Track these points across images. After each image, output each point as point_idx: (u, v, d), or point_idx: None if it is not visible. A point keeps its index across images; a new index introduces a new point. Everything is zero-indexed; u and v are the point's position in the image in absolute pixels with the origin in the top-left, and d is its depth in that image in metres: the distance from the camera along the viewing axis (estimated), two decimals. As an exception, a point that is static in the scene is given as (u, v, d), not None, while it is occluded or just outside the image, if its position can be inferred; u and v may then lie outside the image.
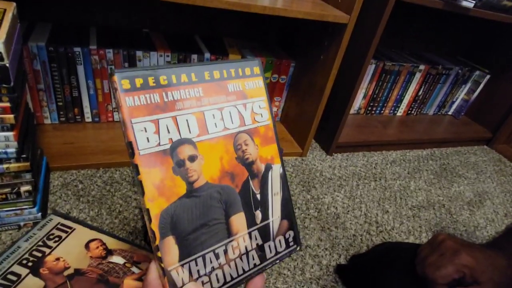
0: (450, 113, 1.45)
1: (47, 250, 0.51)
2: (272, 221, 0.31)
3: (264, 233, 0.30)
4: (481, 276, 0.45)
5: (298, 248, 0.32)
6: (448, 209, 0.95)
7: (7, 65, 0.46)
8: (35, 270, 0.48)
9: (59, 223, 0.56)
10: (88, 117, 0.87)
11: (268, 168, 0.31)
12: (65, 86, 0.80)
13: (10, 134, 0.51)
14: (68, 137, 0.82)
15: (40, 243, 0.52)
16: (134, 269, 0.51)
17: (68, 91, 0.81)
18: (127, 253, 0.53)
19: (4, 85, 0.47)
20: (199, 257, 0.26)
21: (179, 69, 0.26)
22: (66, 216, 0.58)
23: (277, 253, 0.31)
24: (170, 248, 0.25)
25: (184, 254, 0.25)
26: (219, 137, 0.28)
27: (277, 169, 0.32)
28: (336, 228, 0.77)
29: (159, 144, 0.25)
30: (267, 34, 1.08)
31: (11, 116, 0.50)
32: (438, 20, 1.28)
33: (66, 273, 0.48)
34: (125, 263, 0.52)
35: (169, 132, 0.25)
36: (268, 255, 0.30)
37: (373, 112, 1.27)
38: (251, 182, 0.30)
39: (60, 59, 0.76)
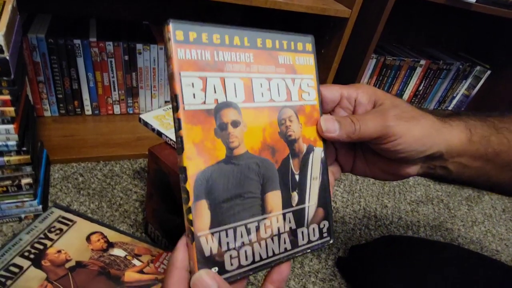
0: (450, 108, 1.45)
1: (49, 243, 0.51)
2: (308, 206, 0.29)
3: (299, 217, 0.28)
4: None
5: (331, 241, 0.30)
6: (447, 204, 0.95)
7: (7, 57, 0.46)
8: (37, 262, 0.48)
9: (60, 216, 0.56)
10: (88, 109, 0.87)
11: (310, 149, 0.29)
12: (65, 78, 0.80)
13: (11, 126, 0.51)
14: (68, 130, 0.82)
15: (42, 235, 0.52)
16: (135, 261, 0.51)
17: (68, 84, 0.81)
18: (128, 245, 0.54)
19: (4, 78, 0.47)
20: (230, 228, 0.24)
21: (234, 30, 0.26)
22: (67, 209, 0.59)
23: (309, 241, 0.29)
24: (202, 213, 0.23)
25: (216, 222, 0.24)
26: (264, 107, 0.27)
27: (319, 152, 0.30)
28: (335, 222, 0.78)
29: (204, 103, 0.24)
30: (268, 28, 1.07)
31: (12, 109, 0.49)
32: (439, 15, 1.27)
33: (67, 265, 0.49)
34: (126, 255, 0.52)
35: (215, 92, 0.24)
36: (300, 241, 0.28)
37: (373, 106, 1.27)
38: (291, 161, 0.28)
39: (60, 51, 0.76)
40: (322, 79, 0.89)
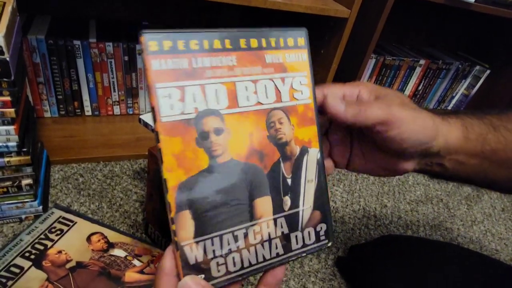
0: (449, 108, 1.45)
1: (49, 243, 0.51)
2: (303, 210, 0.28)
3: (292, 222, 0.27)
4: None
5: (329, 244, 0.29)
6: (446, 203, 0.96)
7: (8, 59, 0.46)
8: (37, 263, 0.48)
9: (60, 216, 0.57)
10: (88, 110, 0.87)
11: (304, 151, 0.28)
12: (64, 79, 0.80)
13: (11, 128, 0.51)
14: (68, 131, 0.82)
15: (42, 236, 0.52)
16: (135, 262, 0.52)
17: (68, 85, 0.81)
18: (128, 246, 0.54)
19: (4, 79, 0.47)
20: (216, 236, 0.24)
21: (213, 34, 0.24)
22: (67, 210, 0.59)
23: (304, 245, 0.28)
24: (185, 223, 0.23)
25: (200, 231, 0.24)
26: (250, 111, 0.26)
27: (314, 154, 0.28)
28: (335, 222, 0.78)
29: (183, 113, 0.23)
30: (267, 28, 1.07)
31: (12, 110, 0.50)
32: (438, 14, 1.27)
33: (68, 265, 0.49)
34: (126, 256, 0.52)
35: (195, 101, 0.24)
36: (294, 246, 0.27)
37: (372, 106, 1.27)
38: (282, 164, 0.27)
39: (60, 52, 0.76)
40: (321, 79, 0.89)
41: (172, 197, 0.23)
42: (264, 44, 0.26)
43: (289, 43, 0.27)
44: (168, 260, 0.24)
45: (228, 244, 0.25)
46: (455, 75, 1.32)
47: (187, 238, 0.24)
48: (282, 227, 0.27)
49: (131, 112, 0.92)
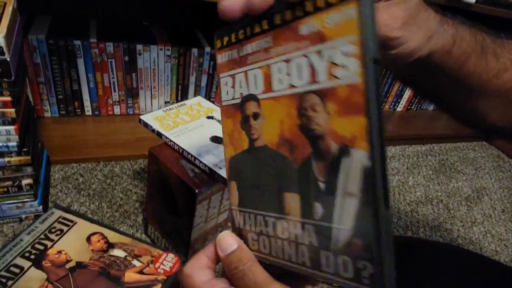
0: (449, 108, 1.45)
1: (49, 243, 0.51)
2: (337, 228, 0.21)
3: (322, 236, 0.21)
4: None
5: None
6: (446, 204, 0.96)
7: (8, 59, 0.46)
8: (37, 263, 0.48)
9: (60, 216, 0.57)
10: (88, 110, 0.87)
11: (344, 151, 0.20)
12: (65, 79, 0.80)
13: (11, 128, 0.51)
14: (68, 131, 0.82)
15: (42, 236, 0.52)
16: (135, 262, 0.52)
17: (68, 85, 0.81)
18: (128, 246, 0.54)
19: (5, 79, 0.48)
20: (251, 213, 0.26)
21: (254, 20, 0.23)
22: (67, 210, 0.59)
23: (337, 274, 0.21)
24: (233, 191, 0.27)
25: (242, 202, 0.27)
26: (282, 96, 0.22)
27: (359, 157, 0.19)
28: (335, 223, 0.78)
29: (233, 98, 0.26)
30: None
31: (12, 110, 0.50)
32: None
33: (68, 266, 0.49)
34: (126, 256, 0.52)
35: (241, 86, 0.26)
36: (324, 266, 0.21)
37: (373, 107, 1.27)
38: (313, 162, 0.21)
39: (60, 52, 0.76)
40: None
41: (226, 167, 0.28)
42: (298, 12, 0.21)
43: None
44: (202, 257, 0.26)
45: (260, 225, 0.25)
46: (456, 75, 1.32)
47: (234, 204, 0.27)
48: (310, 236, 0.22)
49: (131, 112, 0.92)
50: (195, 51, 0.87)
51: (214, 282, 0.25)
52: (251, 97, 0.25)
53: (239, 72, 0.25)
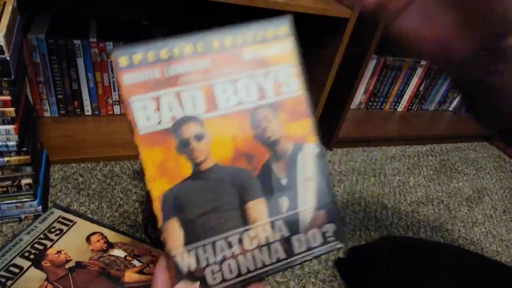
0: (450, 109, 1.45)
1: (49, 243, 0.51)
2: (303, 210, 0.26)
3: (292, 224, 0.26)
4: None
5: (339, 246, 0.27)
6: (447, 205, 0.95)
7: (8, 58, 0.46)
8: (37, 263, 0.48)
9: (60, 216, 0.56)
10: (88, 110, 0.87)
11: (298, 148, 0.26)
12: (64, 79, 0.80)
13: (11, 127, 0.51)
14: (68, 130, 0.82)
15: (42, 236, 0.52)
16: (135, 262, 0.51)
17: (68, 84, 0.81)
18: (128, 246, 0.54)
19: (5, 79, 0.47)
20: (208, 243, 0.24)
21: (183, 40, 0.24)
22: (67, 210, 0.59)
23: (309, 248, 0.26)
24: (173, 232, 0.24)
25: (190, 239, 0.24)
26: (232, 113, 0.25)
27: (310, 149, 0.26)
28: (335, 223, 0.78)
29: (160, 123, 0.23)
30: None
31: (12, 109, 0.49)
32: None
33: (67, 265, 0.49)
34: (126, 256, 0.52)
35: (171, 109, 0.24)
36: (297, 249, 0.26)
37: (373, 107, 1.27)
38: (273, 164, 0.25)
39: (60, 52, 0.76)
40: (322, 80, 0.88)
41: (157, 206, 0.23)
42: (239, 41, 0.25)
43: (269, 34, 0.26)
44: (160, 273, 0.24)
45: (222, 250, 0.24)
46: (456, 76, 1.31)
47: (177, 247, 0.23)
48: (281, 230, 0.25)
49: (131, 112, 0.91)
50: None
51: None
52: (190, 119, 0.24)
53: (168, 94, 0.24)
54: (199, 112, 0.24)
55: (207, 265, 0.24)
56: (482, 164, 1.21)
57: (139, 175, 0.76)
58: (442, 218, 0.90)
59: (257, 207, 0.25)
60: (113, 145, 0.80)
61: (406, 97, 1.29)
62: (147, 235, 0.62)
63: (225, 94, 0.25)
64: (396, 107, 1.31)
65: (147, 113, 0.23)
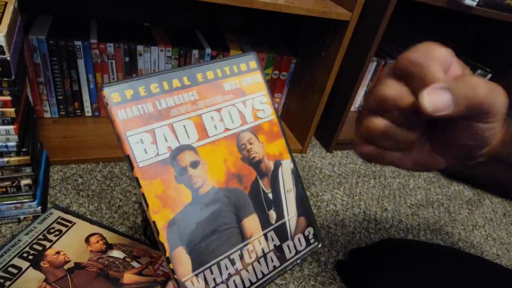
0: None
1: (48, 244, 0.51)
2: (288, 219, 0.29)
3: (281, 233, 0.29)
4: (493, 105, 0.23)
5: (319, 245, 0.31)
6: (447, 208, 0.95)
7: (9, 58, 0.46)
8: (35, 263, 0.48)
9: (59, 217, 0.56)
10: (88, 111, 0.87)
11: (278, 164, 0.30)
12: (65, 79, 0.80)
13: (11, 127, 0.50)
14: (68, 131, 0.82)
15: (41, 236, 0.52)
16: (134, 263, 0.51)
17: (68, 85, 0.81)
18: (127, 247, 0.54)
19: (5, 79, 0.47)
20: (213, 264, 0.25)
21: (170, 74, 0.26)
22: (66, 210, 0.58)
23: (297, 252, 0.29)
24: (181, 259, 0.24)
25: (197, 263, 0.25)
26: (221, 139, 0.27)
27: (287, 164, 0.30)
28: (335, 226, 0.78)
29: (157, 154, 0.24)
30: (268, 30, 1.07)
31: (12, 109, 0.49)
32: (440, 18, 1.27)
33: (66, 266, 0.48)
34: (125, 257, 0.52)
35: (166, 140, 0.25)
36: (288, 255, 0.29)
37: (373, 109, 1.27)
38: (260, 181, 0.29)
39: (61, 53, 0.76)
40: (322, 82, 0.88)
41: (163, 237, 0.24)
42: (219, 74, 0.28)
43: (242, 68, 0.29)
44: None
45: (227, 269, 0.26)
46: (456, 79, 1.32)
47: (186, 274, 0.24)
48: (273, 240, 0.28)
49: (131, 113, 0.91)
50: (195, 52, 0.87)
51: None
52: (185, 148, 0.25)
53: (162, 126, 0.25)
54: (192, 141, 0.26)
55: (215, 286, 0.25)
56: (482, 167, 1.21)
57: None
58: (442, 221, 0.89)
59: (252, 222, 0.27)
60: (113, 146, 0.80)
61: (406, 99, 1.29)
62: (146, 237, 0.62)
63: (213, 121, 0.27)
64: (396, 109, 1.31)
65: (144, 146, 0.24)
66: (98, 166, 0.76)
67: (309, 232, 0.30)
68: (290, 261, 0.29)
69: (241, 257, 0.26)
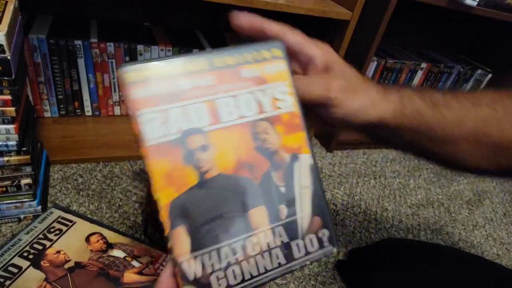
0: (450, 111, 1.45)
1: (48, 243, 0.51)
2: (301, 217, 0.28)
3: (291, 230, 0.27)
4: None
5: (334, 250, 0.29)
6: (447, 207, 0.95)
7: (9, 57, 0.46)
8: (36, 263, 0.48)
9: (59, 216, 0.56)
10: (88, 110, 0.87)
11: (295, 158, 0.28)
12: (65, 79, 0.80)
13: (11, 127, 0.50)
14: (68, 131, 0.81)
15: (41, 236, 0.52)
16: (134, 262, 0.51)
17: (68, 84, 0.81)
18: (127, 247, 0.53)
19: (5, 78, 0.47)
20: (213, 250, 0.25)
21: (188, 57, 0.26)
22: (66, 210, 0.58)
23: (307, 253, 0.28)
24: (180, 239, 0.24)
25: (197, 245, 0.24)
26: (234, 126, 0.26)
27: (305, 159, 0.28)
28: (335, 225, 0.78)
29: (168, 134, 0.25)
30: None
31: (12, 109, 0.49)
32: (440, 18, 1.27)
33: (66, 266, 0.48)
34: (125, 256, 0.52)
35: (178, 122, 0.25)
36: (296, 254, 0.27)
37: (373, 109, 1.27)
38: (273, 173, 0.27)
39: (61, 52, 0.76)
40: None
41: (165, 215, 0.24)
42: (240, 60, 0.27)
43: (265, 55, 0.28)
44: (166, 280, 0.24)
45: (227, 257, 0.25)
46: (457, 78, 1.32)
47: (184, 254, 0.24)
48: (281, 236, 0.27)
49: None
50: (196, 51, 0.87)
51: None
52: (196, 131, 0.25)
53: (175, 107, 0.25)
54: (204, 125, 0.25)
55: (213, 272, 0.25)
56: (482, 167, 1.21)
57: (139, 176, 0.76)
58: (442, 221, 0.89)
59: (259, 214, 0.26)
60: (113, 146, 0.80)
61: (406, 99, 1.29)
62: (146, 236, 0.62)
63: (227, 108, 0.26)
64: (397, 109, 1.31)
65: (154, 126, 0.24)
66: (98, 166, 0.76)
67: (323, 234, 0.28)
68: (297, 261, 0.27)
69: (244, 247, 0.26)
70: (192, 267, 0.24)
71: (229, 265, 0.25)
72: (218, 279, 0.25)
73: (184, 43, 0.87)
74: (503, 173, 0.37)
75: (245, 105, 0.27)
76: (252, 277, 0.26)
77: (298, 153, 0.28)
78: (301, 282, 0.62)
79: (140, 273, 0.50)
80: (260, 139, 0.27)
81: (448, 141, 0.35)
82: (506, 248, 0.87)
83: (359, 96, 0.32)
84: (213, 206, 0.25)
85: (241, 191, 0.26)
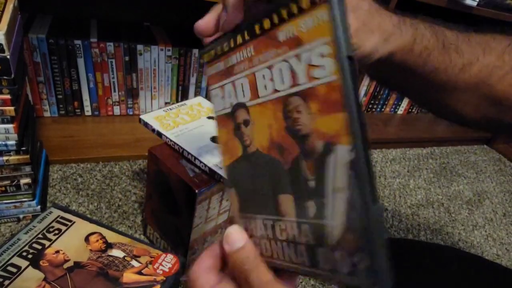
0: (450, 112, 1.45)
1: (47, 243, 0.51)
2: (330, 225, 0.20)
3: (317, 234, 0.21)
4: None
5: (373, 285, 0.19)
6: (447, 208, 0.95)
7: (8, 57, 0.46)
8: (35, 262, 0.48)
9: (59, 216, 0.56)
10: (88, 110, 0.87)
11: (328, 149, 0.20)
12: (65, 79, 0.80)
13: (10, 126, 0.50)
14: (67, 130, 0.81)
15: (40, 235, 0.52)
16: (133, 262, 0.51)
17: (68, 84, 0.81)
18: (126, 246, 0.53)
19: (5, 77, 0.47)
20: (252, 217, 0.26)
21: (238, 30, 0.25)
22: (66, 209, 0.58)
23: (335, 271, 0.20)
24: (233, 198, 0.28)
25: (242, 208, 0.27)
26: (268, 101, 0.23)
27: (343, 153, 0.19)
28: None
29: (225, 108, 0.27)
30: None
31: (12, 108, 0.49)
32: (440, 18, 1.27)
33: (66, 265, 0.48)
34: (124, 256, 0.52)
35: (230, 96, 0.27)
36: (322, 264, 0.21)
37: (374, 110, 1.27)
38: (302, 162, 0.22)
39: (61, 52, 0.76)
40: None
41: (225, 175, 0.28)
42: (275, 19, 0.21)
43: (303, 4, 0.20)
44: (207, 259, 0.25)
45: (261, 229, 0.25)
46: (456, 79, 1.32)
47: (234, 211, 0.27)
48: (307, 235, 0.22)
49: (131, 113, 0.91)
50: (195, 51, 0.87)
51: (221, 287, 0.24)
52: (241, 105, 0.26)
53: (227, 83, 0.27)
54: (246, 99, 0.26)
55: (251, 236, 0.26)
56: (482, 167, 1.21)
57: (139, 175, 0.76)
58: (442, 221, 0.89)
59: (286, 202, 0.23)
60: (113, 146, 0.80)
61: (406, 100, 1.29)
62: (146, 236, 0.62)
63: (264, 81, 0.23)
64: (396, 110, 1.31)
65: (218, 100, 0.28)
66: (97, 166, 0.75)
67: (360, 258, 0.19)
68: (323, 272, 0.21)
69: (273, 228, 0.24)
70: (240, 224, 0.27)
71: (262, 237, 0.25)
72: (254, 244, 0.26)
73: (184, 43, 0.87)
74: (490, 125, 0.36)
75: (279, 76, 0.22)
76: (279, 258, 0.24)
77: (334, 142, 0.20)
78: (301, 282, 0.62)
79: (139, 273, 0.50)
80: (291, 118, 0.22)
81: (450, 88, 0.33)
82: (506, 248, 0.86)
83: (373, 37, 0.28)
84: (251, 181, 0.26)
85: (272, 173, 0.24)
